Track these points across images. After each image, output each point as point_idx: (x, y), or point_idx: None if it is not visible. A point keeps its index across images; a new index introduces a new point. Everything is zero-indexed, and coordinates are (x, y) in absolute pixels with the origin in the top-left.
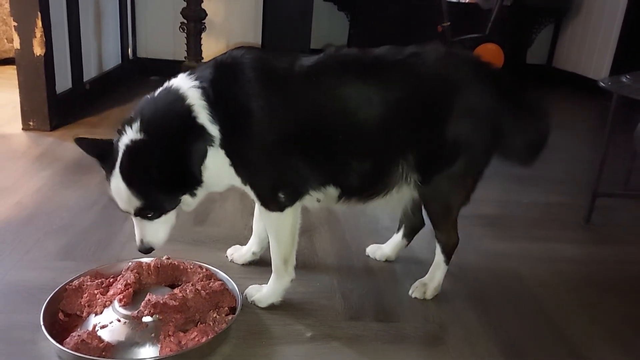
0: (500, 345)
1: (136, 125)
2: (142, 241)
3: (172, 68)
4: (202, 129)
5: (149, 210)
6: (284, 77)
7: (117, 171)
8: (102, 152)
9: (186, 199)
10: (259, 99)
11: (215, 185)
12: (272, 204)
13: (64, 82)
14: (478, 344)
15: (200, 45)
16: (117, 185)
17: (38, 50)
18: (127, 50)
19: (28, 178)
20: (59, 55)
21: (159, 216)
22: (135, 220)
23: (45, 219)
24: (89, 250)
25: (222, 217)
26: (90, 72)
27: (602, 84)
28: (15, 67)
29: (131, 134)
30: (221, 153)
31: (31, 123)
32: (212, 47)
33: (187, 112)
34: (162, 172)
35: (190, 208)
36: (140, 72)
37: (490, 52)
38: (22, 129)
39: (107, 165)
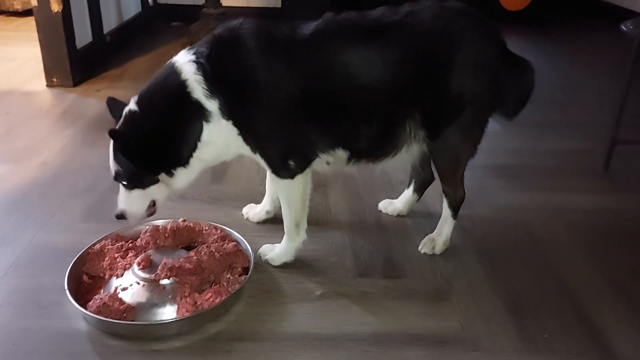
0: (505, 300)
1: (136, 97)
2: (117, 205)
3: (193, 13)
4: (196, 104)
5: (123, 179)
6: (286, 45)
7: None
8: (119, 115)
9: (164, 178)
10: (263, 69)
11: (224, 156)
12: (283, 171)
13: (84, 36)
14: (483, 300)
15: None
16: (111, 147)
17: (55, 6)
18: None
19: (52, 137)
20: (77, 9)
21: (132, 187)
22: (120, 185)
23: (69, 179)
24: (111, 211)
25: (239, 174)
26: (110, 23)
27: (623, 28)
28: None
29: (131, 104)
30: (228, 124)
31: (54, 79)
32: None
33: (180, 87)
34: (139, 147)
35: (177, 187)
36: (161, 18)
37: None
38: (46, 85)
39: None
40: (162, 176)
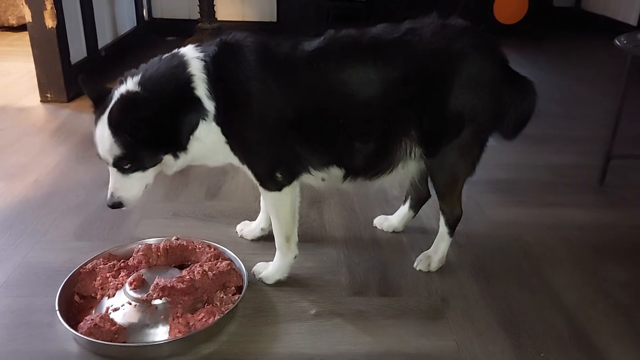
0: (501, 318)
1: (136, 78)
2: (112, 195)
3: (188, 28)
4: (198, 101)
5: (127, 161)
6: (284, 63)
7: (105, 117)
8: (99, 96)
9: (168, 159)
10: (258, 83)
11: (209, 159)
12: (270, 183)
13: (78, 51)
14: (478, 318)
15: (214, 6)
16: (102, 132)
17: (49, 22)
18: (142, 12)
19: (45, 154)
20: (72, 25)
21: (135, 170)
22: (111, 172)
23: (62, 197)
24: (104, 229)
25: (234, 190)
26: (105, 38)
27: (617, 42)
28: None
29: (130, 84)
30: (217, 130)
31: (49, 95)
32: (225, 9)
33: (186, 81)
34: (149, 127)
35: (169, 171)
36: (156, 33)
37: None
38: (41, 101)
39: (99, 111)
40: (167, 157)
